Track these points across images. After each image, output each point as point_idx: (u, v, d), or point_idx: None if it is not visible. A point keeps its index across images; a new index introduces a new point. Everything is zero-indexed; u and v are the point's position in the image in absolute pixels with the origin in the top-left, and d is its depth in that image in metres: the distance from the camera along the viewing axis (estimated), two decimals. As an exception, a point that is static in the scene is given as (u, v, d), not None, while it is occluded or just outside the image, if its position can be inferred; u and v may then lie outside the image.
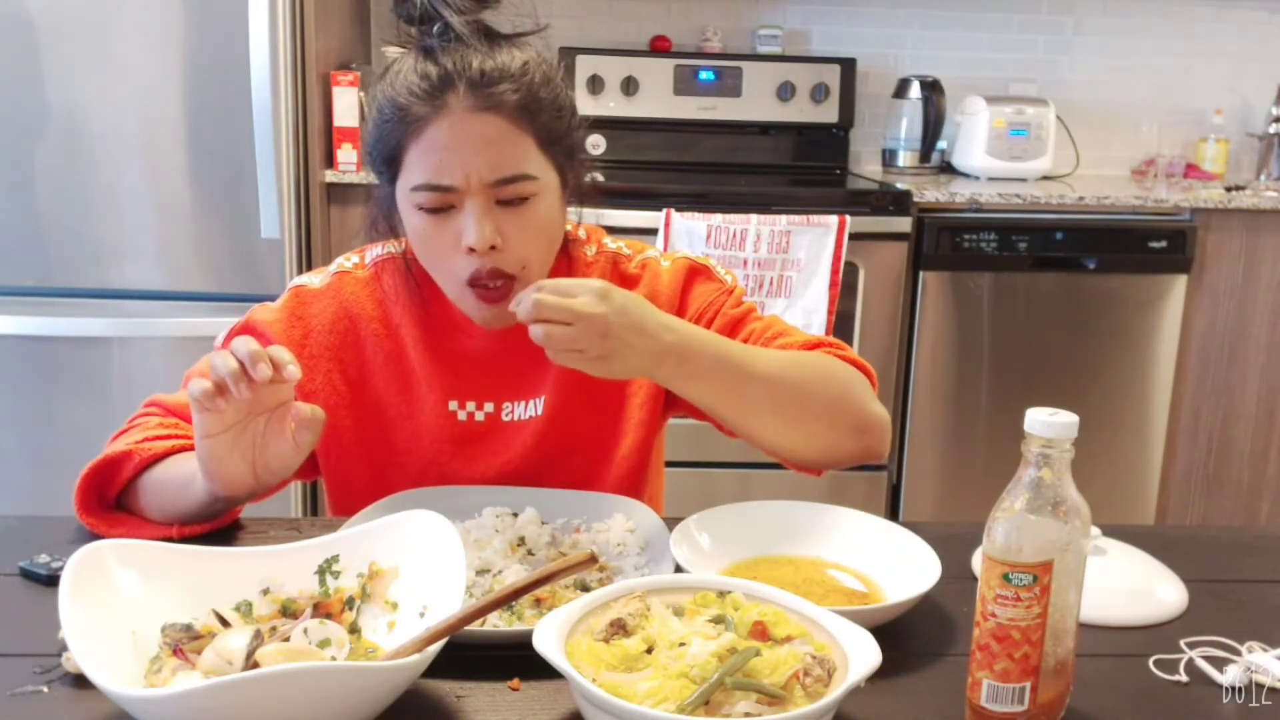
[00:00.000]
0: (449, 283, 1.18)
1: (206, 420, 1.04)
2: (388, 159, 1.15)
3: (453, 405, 1.26)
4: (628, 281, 1.28)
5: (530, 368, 1.26)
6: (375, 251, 1.29)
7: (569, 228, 1.28)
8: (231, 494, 1.09)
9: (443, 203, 1.12)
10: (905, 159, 3.27)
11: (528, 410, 1.27)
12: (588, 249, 1.29)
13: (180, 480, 1.11)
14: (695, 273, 1.29)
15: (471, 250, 1.12)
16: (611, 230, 1.36)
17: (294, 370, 1.02)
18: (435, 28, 1.13)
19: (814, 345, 1.21)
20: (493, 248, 1.12)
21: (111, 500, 1.16)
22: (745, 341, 1.21)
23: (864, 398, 1.16)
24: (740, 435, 1.15)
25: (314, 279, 1.29)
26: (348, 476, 1.28)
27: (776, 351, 1.16)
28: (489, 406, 1.27)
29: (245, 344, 1.01)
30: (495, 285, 1.14)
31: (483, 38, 1.14)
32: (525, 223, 1.14)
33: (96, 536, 1.10)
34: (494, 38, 1.15)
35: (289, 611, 0.92)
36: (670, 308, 1.25)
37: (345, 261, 1.30)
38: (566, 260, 1.27)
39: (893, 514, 2.92)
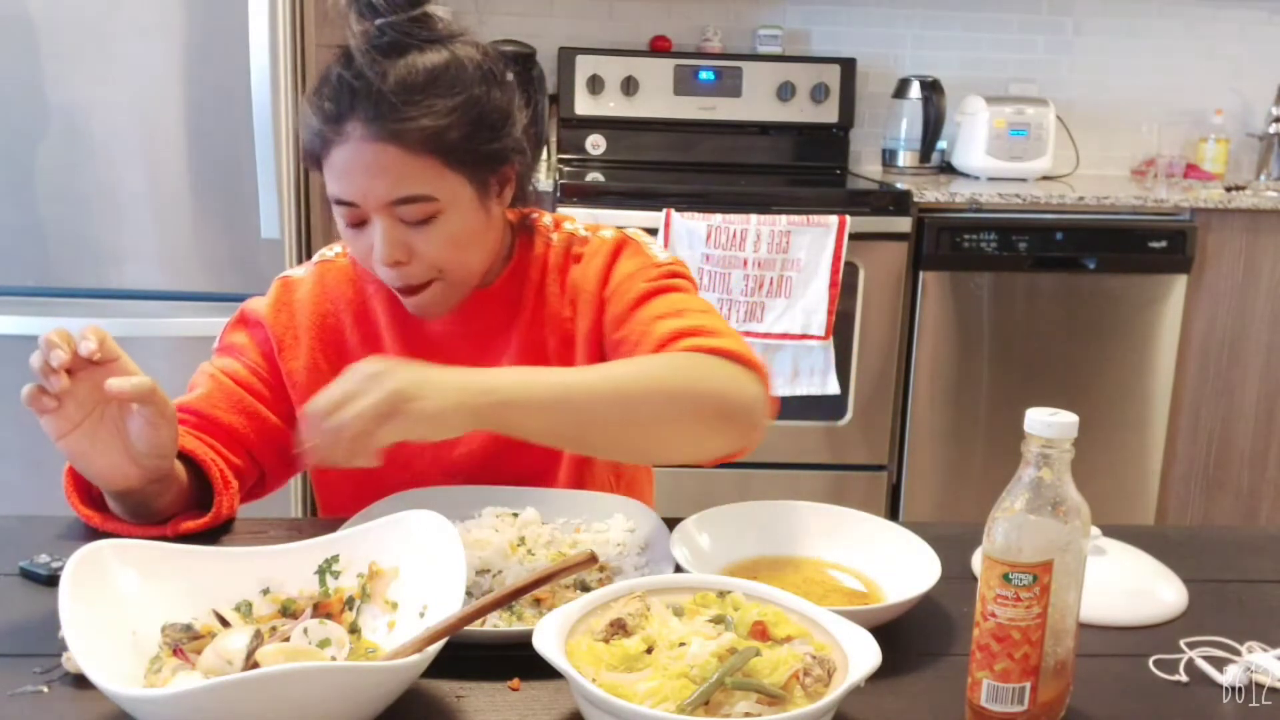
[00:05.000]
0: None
1: (51, 423, 1.03)
2: (316, 165, 1.17)
3: None
4: (575, 262, 1.29)
5: (490, 348, 1.29)
6: None
7: (535, 215, 1.30)
8: (118, 488, 1.08)
9: (354, 217, 1.16)
10: (905, 159, 3.27)
11: None
12: (553, 235, 1.31)
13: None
14: (623, 246, 1.28)
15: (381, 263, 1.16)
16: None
17: (87, 345, 1.00)
18: (370, 29, 1.12)
19: (686, 333, 1.13)
20: (400, 262, 1.15)
21: (98, 493, 1.16)
22: (634, 322, 1.19)
23: (727, 387, 1.07)
24: (608, 459, 1.12)
25: (298, 270, 1.34)
26: None
27: (618, 365, 1.11)
28: None
29: (45, 335, 1.00)
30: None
31: (393, 48, 1.11)
32: (431, 238, 1.16)
33: (95, 532, 1.10)
34: (413, 46, 1.12)
35: (289, 611, 0.92)
36: (597, 284, 1.26)
37: (328, 251, 1.35)
38: (527, 248, 1.30)
39: (893, 514, 2.92)
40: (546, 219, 1.33)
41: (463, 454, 1.28)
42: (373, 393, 0.91)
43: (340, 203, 1.15)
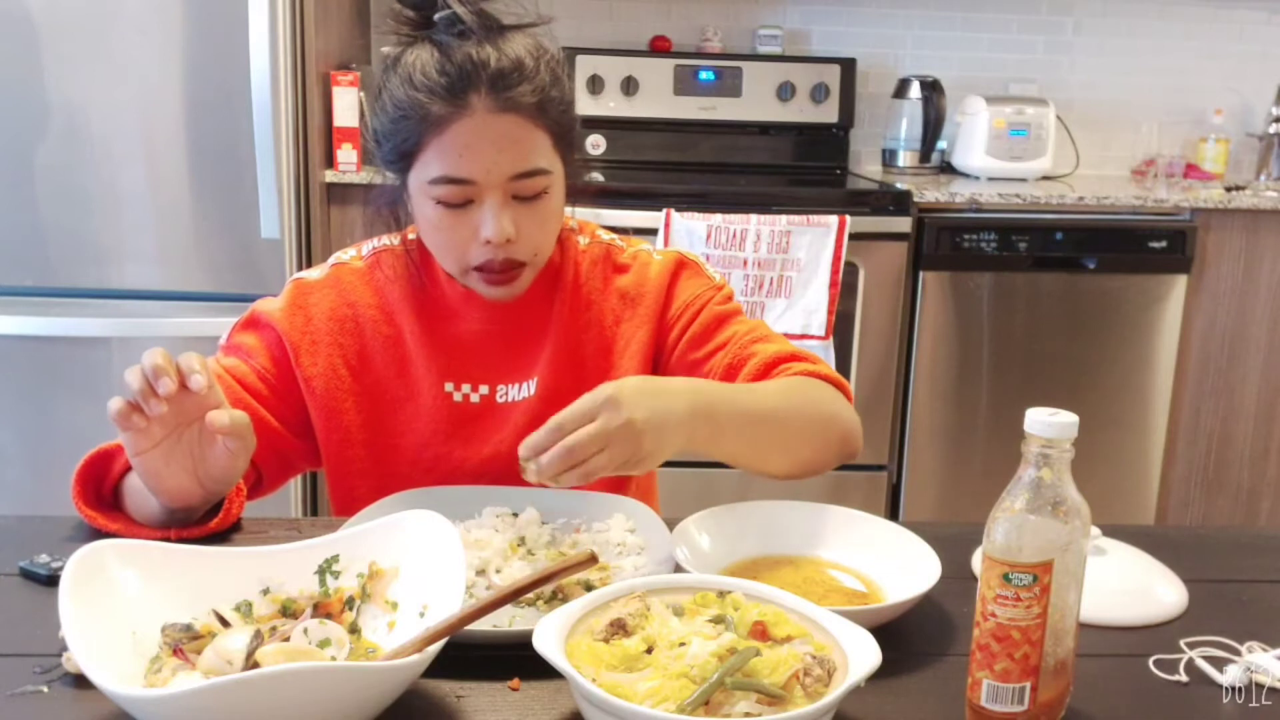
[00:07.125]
0: (457, 268, 1.22)
1: (133, 439, 1.03)
2: (402, 153, 1.17)
3: (449, 387, 1.29)
4: (618, 270, 1.32)
5: (523, 350, 1.29)
6: (370, 244, 1.33)
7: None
8: (179, 505, 1.09)
9: (462, 196, 1.16)
10: (905, 159, 3.27)
11: (521, 391, 1.29)
12: (580, 239, 1.33)
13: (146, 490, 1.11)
14: (684, 266, 1.32)
15: (488, 242, 1.16)
16: (612, 230, 1.37)
17: (198, 380, 1.00)
18: (440, 17, 1.14)
19: (789, 357, 1.23)
20: (510, 240, 1.17)
21: (108, 495, 1.17)
22: (725, 343, 1.26)
23: (842, 411, 1.20)
24: (751, 472, 1.16)
25: (313, 272, 1.32)
26: (347, 458, 1.29)
27: (771, 385, 1.18)
28: (484, 389, 1.29)
29: (150, 357, 1.00)
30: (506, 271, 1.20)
31: (491, 30, 1.15)
32: (538, 215, 1.19)
33: (96, 532, 1.10)
34: (501, 30, 1.16)
35: (289, 611, 0.92)
36: (657, 299, 1.29)
37: (342, 255, 1.34)
38: (559, 250, 1.30)
39: (893, 514, 2.92)
40: (572, 222, 1.33)
41: (489, 456, 1.27)
42: (608, 420, 0.94)
43: (451, 181, 1.15)
